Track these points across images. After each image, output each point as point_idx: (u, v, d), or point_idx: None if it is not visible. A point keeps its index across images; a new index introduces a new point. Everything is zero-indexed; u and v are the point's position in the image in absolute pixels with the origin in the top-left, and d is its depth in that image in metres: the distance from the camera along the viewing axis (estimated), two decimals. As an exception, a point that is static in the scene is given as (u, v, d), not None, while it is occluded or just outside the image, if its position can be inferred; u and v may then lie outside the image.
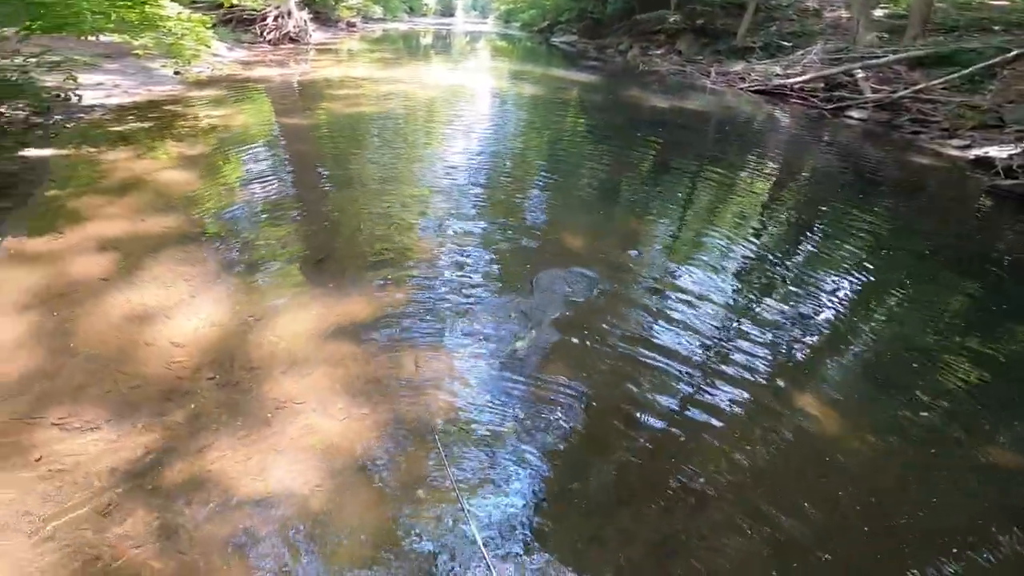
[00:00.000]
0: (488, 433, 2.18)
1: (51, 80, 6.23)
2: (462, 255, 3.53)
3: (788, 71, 10.66)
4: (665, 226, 4.37)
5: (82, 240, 3.23)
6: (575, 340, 2.76)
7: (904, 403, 2.55)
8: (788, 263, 3.86)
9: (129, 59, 7.85)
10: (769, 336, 2.93)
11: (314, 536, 1.72)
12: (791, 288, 3.49)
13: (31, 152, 4.51)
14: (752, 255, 3.90)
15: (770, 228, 4.51)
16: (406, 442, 2.11)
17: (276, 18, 13.74)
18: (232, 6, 12.67)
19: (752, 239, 4.19)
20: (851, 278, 3.67)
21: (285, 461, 1.97)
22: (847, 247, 4.14)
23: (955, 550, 1.89)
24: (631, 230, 4.26)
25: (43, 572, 1.53)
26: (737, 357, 2.74)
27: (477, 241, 3.74)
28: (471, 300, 3.04)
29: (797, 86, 10.00)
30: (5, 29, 5.67)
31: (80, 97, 6.12)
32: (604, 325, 2.90)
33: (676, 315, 3.04)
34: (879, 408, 2.53)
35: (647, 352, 2.72)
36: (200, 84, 7.62)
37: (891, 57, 9.48)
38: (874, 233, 4.48)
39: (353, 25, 20.37)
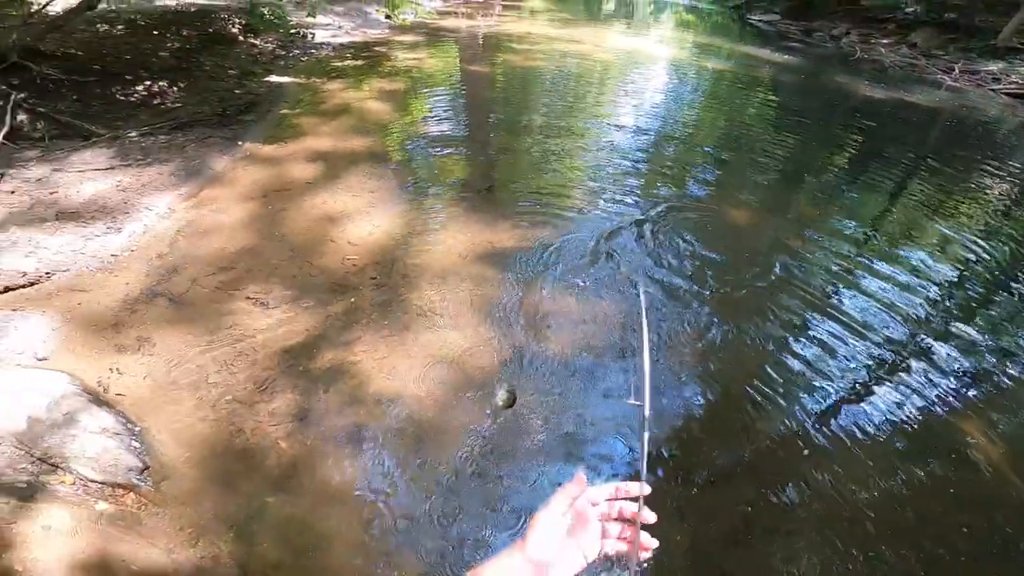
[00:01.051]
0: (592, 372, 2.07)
1: (295, 18, 7.31)
2: (612, 210, 3.37)
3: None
4: (846, 226, 3.55)
5: (300, 150, 3.78)
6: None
7: None
8: (985, 301, 2.93)
9: (352, 2, 8.86)
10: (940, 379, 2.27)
11: (417, 442, 1.82)
12: (982, 325, 2.66)
13: (274, 78, 5.37)
14: (940, 287, 2.98)
15: (976, 257, 3.34)
16: (511, 372, 2.11)
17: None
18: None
19: (949, 267, 3.21)
20: None
21: (413, 365, 2.11)
22: None
23: None
24: (803, 221, 3.58)
25: (196, 439, 1.77)
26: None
27: (631, 200, 3.53)
28: (610, 255, 2.89)
29: None
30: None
31: (313, 35, 7.10)
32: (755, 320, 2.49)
33: (824, 339, 2.48)
34: None
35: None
36: (404, 29, 8.31)
37: None
38: None
39: (544, -18, 20.27)
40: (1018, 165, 4.99)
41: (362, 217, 3.02)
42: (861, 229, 3.56)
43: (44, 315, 2.15)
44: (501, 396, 2.00)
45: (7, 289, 2.26)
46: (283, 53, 6.34)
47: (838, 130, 5.74)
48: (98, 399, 1.80)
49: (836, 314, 2.62)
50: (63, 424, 1.64)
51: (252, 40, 6.46)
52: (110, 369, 1.97)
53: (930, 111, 6.79)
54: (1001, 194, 4.37)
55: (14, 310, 2.16)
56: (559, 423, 1.93)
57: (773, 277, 2.85)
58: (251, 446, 1.78)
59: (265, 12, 6.74)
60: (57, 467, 1.51)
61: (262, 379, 2.01)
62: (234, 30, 6.48)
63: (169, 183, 3.12)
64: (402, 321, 2.32)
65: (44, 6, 5.16)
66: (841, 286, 2.86)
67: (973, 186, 4.48)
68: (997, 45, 10.30)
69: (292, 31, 6.93)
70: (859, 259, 3.14)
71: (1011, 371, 2.39)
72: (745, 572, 1.58)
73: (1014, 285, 3.06)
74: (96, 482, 1.51)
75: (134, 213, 2.80)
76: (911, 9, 12.49)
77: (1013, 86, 8.48)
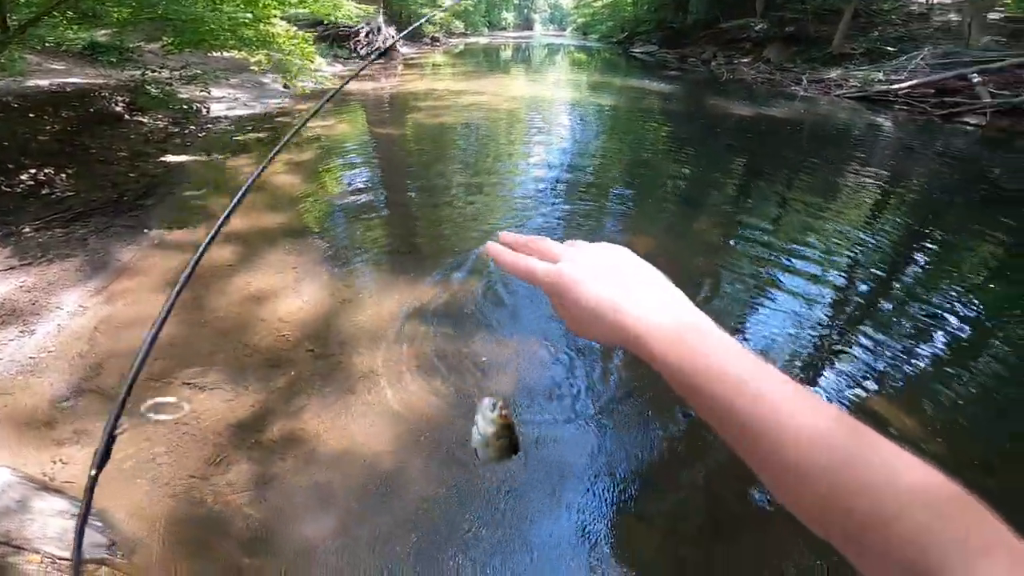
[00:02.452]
0: (540, 407, 2.38)
1: (185, 93, 7.27)
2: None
3: (891, 77, 9.97)
4: (746, 240, 4.23)
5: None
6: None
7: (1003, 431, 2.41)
8: (889, 284, 3.66)
9: (246, 74, 8.95)
10: (861, 364, 2.80)
11: (379, 491, 2.00)
12: (891, 309, 3.34)
13: (170, 158, 5.34)
14: (847, 276, 3.70)
15: (869, 246, 4.14)
16: (463, 412, 2.35)
17: (367, 34, 14.93)
18: (329, 23, 13.99)
19: (848, 258, 3.93)
20: (965, 303, 3.36)
21: (364, 424, 2.29)
22: (963, 266, 3.86)
23: None
24: (712, 243, 4.22)
25: (157, 514, 1.87)
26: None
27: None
28: (537, 299, 3.25)
29: (903, 92, 9.35)
30: (150, 45, 6.69)
31: (208, 109, 7.10)
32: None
33: (750, 343, 3.00)
34: (994, 436, 2.41)
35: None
36: (305, 97, 8.53)
37: (1012, 60, 8.61)
38: (996, 248, 4.11)
39: (437, 40, 21.57)
40: (876, 159, 6.24)
41: (289, 293, 3.16)
42: (764, 237, 4.23)
43: (-35, 425, 2.09)
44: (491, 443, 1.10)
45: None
46: (176, 130, 6.29)
47: (721, 151, 6.76)
48: (46, 487, 1.81)
49: (765, 315, 3.15)
50: (17, 510, 1.65)
51: (140, 118, 6.34)
52: (53, 461, 1.97)
53: (792, 122, 8.23)
54: (869, 186, 5.48)
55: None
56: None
57: (701, 296, 3.36)
58: (216, 514, 1.87)
59: (151, 89, 6.67)
60: (21, 548, 1.53)
61: (213, 456, 2.10)
62: (118, 108, 6.33)
63: (76, 279, 3.07)
64: (345, 386, 2.49)
65: None
66: (761, 291, 3.42)
67: (847, 183, 5.53)
68: (833, 52, 12.51)
69: (184, 106, 6.89)
70: (770, 260, 3.78)
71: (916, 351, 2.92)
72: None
73: (901, 266, 3.85)
74: (65, 559, 1.55)
75: (45, 314, 2.74)
76: (759, 27, 14.77)
77: (853, 90, 10.36)
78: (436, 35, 22.14)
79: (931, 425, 2.42)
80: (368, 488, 2.01)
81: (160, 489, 1.94)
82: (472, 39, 23.58)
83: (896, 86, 9.57)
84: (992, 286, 3.69)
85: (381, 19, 15.44)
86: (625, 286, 0.42)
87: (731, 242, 4.18)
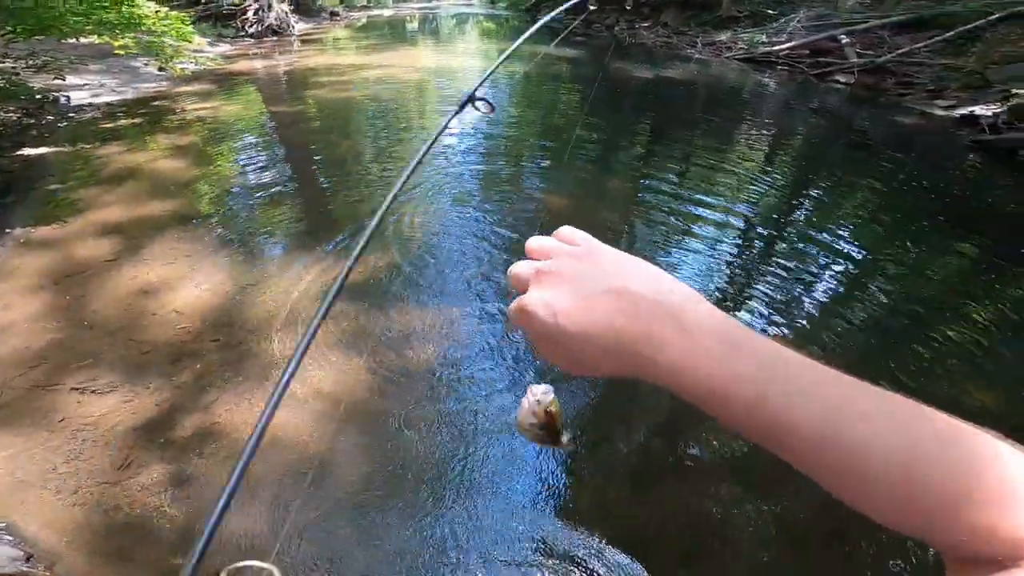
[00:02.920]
0: (461, 367, 2.44)
1: (38, 83, 6.39)
2: (450, 224, 3.76)
3: (773, 39, 10.75)
4: (654, 192, 4.47)
5: (85, 226, 3.47)
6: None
7: (894, 353, 2.70)
8: (784, 225, 4.04)
9: (112, 59, 7.98)
10: (767, 299, 3.08)
11: (312, 475, 1.98)
12: (787, 248, 3.67)
13: (28, 151, 4.72)
14: (747, 220, 4.05)
15: (763, 192, 4.61)
16: (390, 385, 2.36)
17: (256, 11, 13.77)
18: (209, 2, 12.69)
19: (746, 204, 4.31)
20: (847, 238, 3.77)
21: (284, 411, 2.21)
22: (843, 207, 4.33)
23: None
24: (624, 198, 4.42)
25: (70, 524, 1.77)
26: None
27: (468, 211, 3.97)
28: (455, 265, 3.28)
29: (783, 53, 10.12)
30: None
31: (68, 98, 6.30)
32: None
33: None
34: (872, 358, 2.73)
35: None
36: (186, 80, 7.77)
37: (875, 22, 9.58)
38: (869, 190, 4.66)
39: (336, 14, 20.32)
40: (763, 116, 6.78)
41: (183, 283, 2.95)
42: (670, 189, 4.48)
43: None
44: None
45: None
46: (32, 122, 5.55)
47: (627, 112, 7.01)
48: None
49: (678, 258, 3.38)
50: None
51: (-15, 111, 5.53)
52: None
53: (689, 83, 8.69)
54: (758, 140, 5.98)
55: None
56: (439, 430, 2.19)
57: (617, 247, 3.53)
58: (135, 518, 1.78)
59: (-4, 80, 5.79)
60: None
61: (120, 459, 1.97)
62: (-44, 102, 5.47)
63: (-81, 293, 2.68)
64: (259, 373, 2.39)
65: None
66: (676, 239, 3.67)
67: (739, 139, 5.99)
68: (722, 16, 13.17)
69: (37, 96, 6.06)
70: (678, 210, 4.03)
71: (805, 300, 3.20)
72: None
73: (791, 208, 4.26)
74: None
75: None
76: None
77: (741, 52, 11.03)
78: (335, 9, 20.84)
79: (829, 348, 2.73)
80: (299, 473, 1.97)
81: (68, 498, 1.83)
82: (376, 12, 22.43)
83: (776, 47, 10.34)
84: (869, 223, 4.18)
85: (271, -7, 14.26)
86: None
87: (641, 195, 4.41)
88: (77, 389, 2.29)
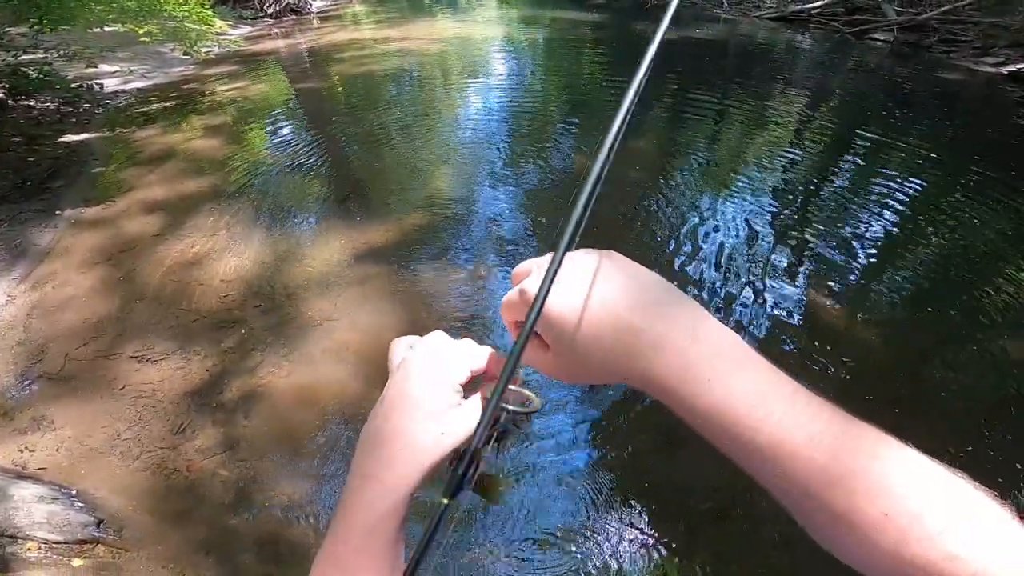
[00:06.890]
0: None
1: (71, 72, 6.72)
2: (476, 192, 3.87)
3: (804, -4, 10.22)
4: (690, 158, 4.42)
5: (131, 205, 3.71)
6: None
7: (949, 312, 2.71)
8: (824, 189, 3.94)
9: (138, 46, 8.29)
10: (810, 261, 3.07)
11: (349, 430, 2.11)
12: (828, 214, 3.59)
13: (70, 138, 5.02)
14: (786, 184, 3.97)
15: (802, 155, 4.49)
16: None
17: (275, -10, 13.94)
18: (226, -17, 12.88)
19: (784, 168, 4.22)
20: (893, 199, 3.66)
21: (324, 370, 2.38)
22: (886, 169, 4.16)
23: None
24: (655, 163, 4.34)
25: (135, 488, 1.94)
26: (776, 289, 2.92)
27: (492, 181, 4.05)
28: (481, 231, 3.38)
29: (815, 11, 9.66)
30: (17, 28, 6.14)
31: (102, 85, 6.61)
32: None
33: (705, 249, 3.18)
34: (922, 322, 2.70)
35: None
36: (211, 63, 8.02)
37: (912, -23, 8.98)
38: (913, 150, 4.46)
39: (353, -11, 20.35)
40: (798, 76, 6.53)
41: (225, 253, 3.14)
42: (703, 153, 4.44)
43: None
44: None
45: None
46: (70, 110, 5.87)
47: (655, 77, 6.85)
48: (20, 475, 1.85)
49: (715, 224, 3.35)
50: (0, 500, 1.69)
51: (26, 102, 5.89)
52: (19, 450, 2.00)
53: (718, 44, 8.39)
54: (796, 100, 5.79)
55: None
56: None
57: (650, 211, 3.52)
58: (192, 481, 1.95)
59: (30, 72, 6.14)
60: (16, 537, 1.58)
61: (177, 424, 2.15)
62: (-1, 95, 5.84)
63: (-6, 270, 2.96)
64: (299, 335, 2.56)
65: None
66: (708, 202, 3.67)
67: (774, 99, 5.79)
68: None
69: (73, 85, 6.39)
70: (713, 173, 4.02)
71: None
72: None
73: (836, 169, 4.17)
74: (60, 542, 1.62)
75: (-32, 309, 2.65)
76: (680, -51, 14.56)
77: (771, 11, 10.59)
78: (351, -17, 20.84)
79: (887, 304, 2.73)
80: (337, 429, 2.11)
81: (132, 464, 2.00)
82: (391, -15, 22.38)
83: (809, 5, 9.86)
84: (920, 177, 4.02)
85: (286, -30, 14.40)
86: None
87: (672, 159, 4.37)
88: (134, 357, 2.49)
